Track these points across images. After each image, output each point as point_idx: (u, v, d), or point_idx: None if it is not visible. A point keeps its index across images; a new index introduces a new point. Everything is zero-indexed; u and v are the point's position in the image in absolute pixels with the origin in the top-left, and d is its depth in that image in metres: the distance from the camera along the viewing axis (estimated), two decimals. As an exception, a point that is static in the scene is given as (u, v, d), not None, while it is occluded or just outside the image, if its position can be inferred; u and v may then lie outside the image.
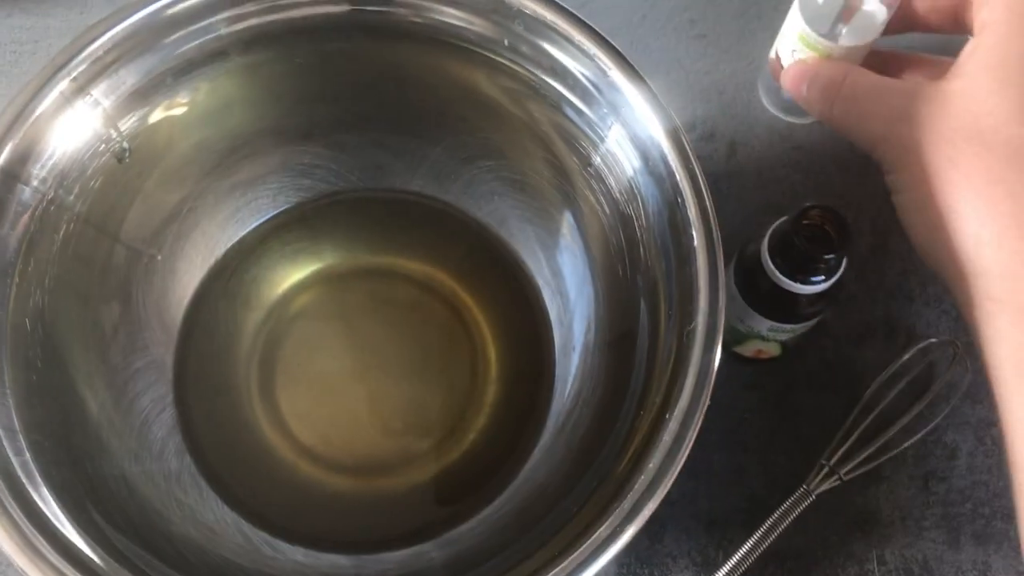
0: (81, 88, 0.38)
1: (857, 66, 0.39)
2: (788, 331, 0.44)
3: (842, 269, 0.41)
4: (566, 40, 0.39)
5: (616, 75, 0.38)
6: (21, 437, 0.35)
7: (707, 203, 0.36)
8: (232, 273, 0.48)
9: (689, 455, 0.46)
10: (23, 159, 0.37)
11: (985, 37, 0.34)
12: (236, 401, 0.47)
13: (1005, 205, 0.33)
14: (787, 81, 0.41)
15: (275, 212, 0.49)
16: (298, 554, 0.43)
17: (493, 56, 0.41)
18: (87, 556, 0.33)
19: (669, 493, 0.47)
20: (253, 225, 0.49)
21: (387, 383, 0.48)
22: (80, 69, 0.38)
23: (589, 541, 0.33)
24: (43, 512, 0.34)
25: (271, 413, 0.47)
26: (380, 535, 0.45)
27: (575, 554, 0.33)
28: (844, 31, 0.41)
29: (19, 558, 0.32)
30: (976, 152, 0.33)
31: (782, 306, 0.43)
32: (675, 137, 0.36)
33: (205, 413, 0.46)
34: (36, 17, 0.57)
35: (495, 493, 0.45)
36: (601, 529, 0.33)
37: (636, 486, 0.34)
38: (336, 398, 0.48)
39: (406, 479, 0.46)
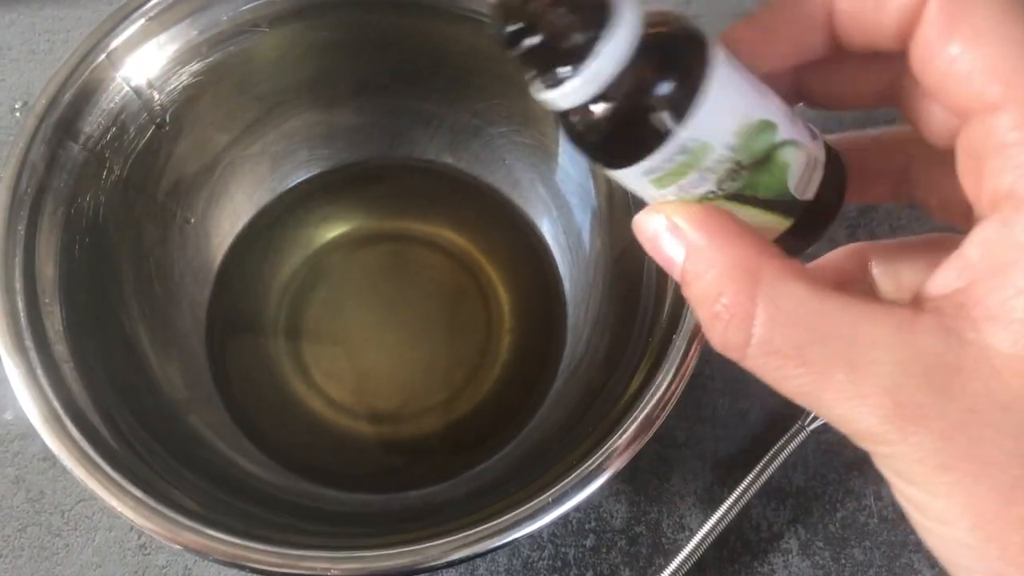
0: (125, 52, 0.41)
1: (771, 250, 0.21)
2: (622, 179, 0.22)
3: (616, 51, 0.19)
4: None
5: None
6: (74, 367, 0.38)
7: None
8: (259, 238, 0.51)
9: (693, 401, 0.49)
10: (72, 117, 0.40)
11: None
12: (265, 357, 0.50)
13: None
14: (647, 242, 0.23)
15: (299, 180, 0.52)
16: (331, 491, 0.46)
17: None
18: (139, 471, 0.36)
19: (676, 436, 0.50)
20: (279, 191, 0.52)
21: (407, 338, 0.51)
22: (125, 34, 0.41)
23: (601, 453, 0.35)
24: (100, 434, 0.36)
25: (299, 367, 0.50)
26: (405, 478, 0.47)
27: (589, 465, 0.35)
28: None
29: (78, 469, 0.34)
30: None
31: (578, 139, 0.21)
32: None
33: (236, 367, 0.49)
34: (68, 8, 0.61)
35: (512, 436, 0.47)
36: (613, 439, 0.35)
37: (647, 399, 0.36)
38: (359, 353, 0.50)
39: (427, 427, 0.49)
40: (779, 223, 0.22)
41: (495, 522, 0.34)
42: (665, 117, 0.20)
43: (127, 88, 0.42)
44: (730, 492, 0.47)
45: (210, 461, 0.43)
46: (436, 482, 0.46)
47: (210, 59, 0.44)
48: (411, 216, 0.53)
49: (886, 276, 0.27)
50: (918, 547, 0.47)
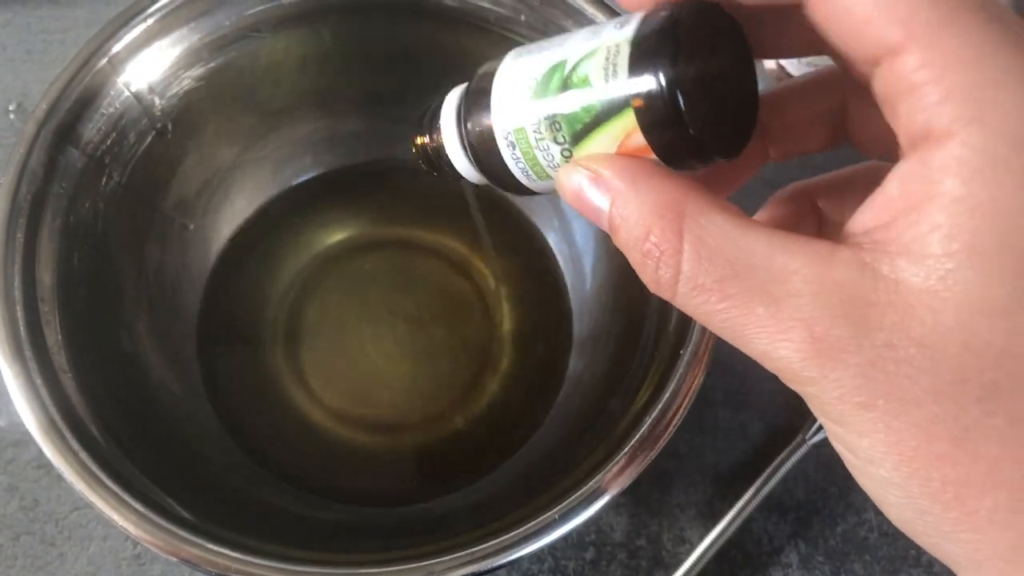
0: (126, 58, 0.41)
1: (697, 188, 0.20)
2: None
3: None
4: (580, 15, 0.42)
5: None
6: (71, 377, 0.37)
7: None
8: (257, 244, 0.51)
9: (695, 412, 0.49)
10: (73, 122, 0.40)
11: (956, 172, 0.17)
12: (262, 365, 0.49)
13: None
14: (572, 199, 0.22)
15: (300, 184, 0.52)
16: (327, 503, 0.45)
17: (511, 34, 0.44)
18: (139, 484, 0.35)
19: (677, 448, 0.50)
20: (279, 197, 0.51)
21: (407, 347, 0.50)
22: (127, 39, 0.41)
23: (608, 469, 0.35)
24: (100, 445, 0.36)
25: (297, 376, 0.49)
26: (405, 490, 0.47)
27: (596, 478, 0.35)
28: None
29: (78, 483, 0.34)
30: (990, 423, 0.17)
31: None
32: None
33: (230, 375, 0.48)
34: (64, 8, 0.60)
35: (515, 448, 0.47)
36: (620, 456, 0.35)
37: (652, 416, 0.36)
38: (358, 362, 0.50)
39: (428, 437, 0.48)
40: (627, 127, 0.21)
41: (501, 539, 0.34)
42: (485, 136, 0.23)
43: (128, 93, 0.42)
44: (731, 505, 0.47)
45: (208, 473, 0.42)
46: (437, 495, 0.45)
47: (212, 64, 0.44)
48: (412, 222, 0.53)
49: (834, 212, 0.27)
50: (918, 561, 0.47)
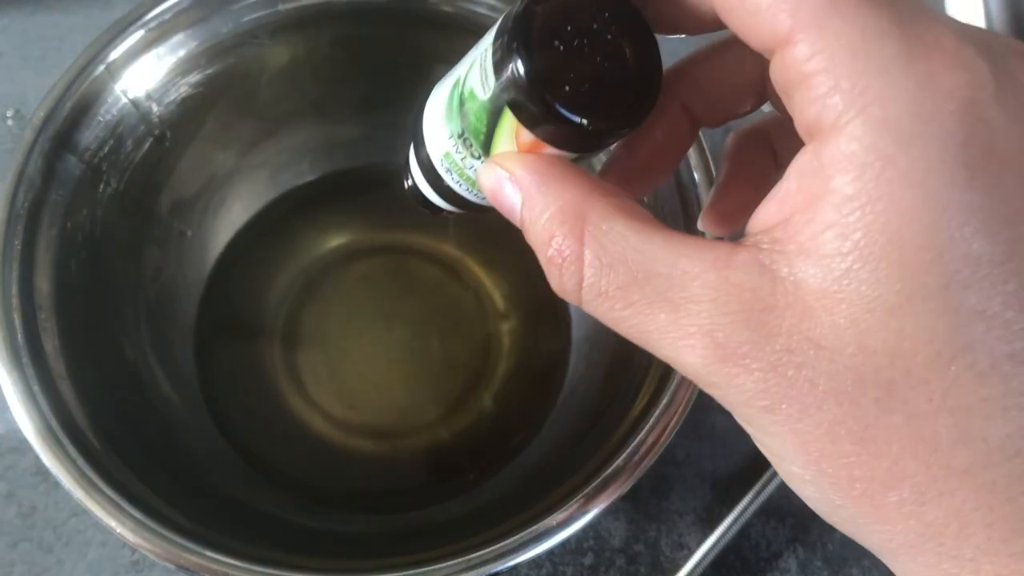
0: (124, 64, 0.41)
1: (601, 190, 0.20)
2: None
3: None
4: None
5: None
6: (69, 384, 0.37)
7: (710, 164, 0.39)
8: (254, 249, 0.51)
9: (692, 418, 0.49)
10: (70, 130, 0.40)
11: (845, 169, 0.17)
12: (259, 371, 0.49)
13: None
14: (491, 197, 0.22)
15: (298, 190, 0.52)
16: (326, 511, 0.45)
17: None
18: (136, 491, 0.35)
19: (675, 454, 0.49)
20: (277, 202, 0.51)
21: (405, 353, 0.50)
22: (124, 46, 0.41)
23: (606, 475, 0.35)
24: (99, 452, 0.36)
25: (294, 382, 0.49)
26: (403, 497, 0.47)
27: (591, 486, 0.35)
28: None
29: (76, 491, 0.34)
30: (872, 422, 0.18)
31: None
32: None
33: (227, 382, 0.48)
34: (61, 15, 0.60)
35: (514, 454, 0.47)
36: (618, 462, 0.35)
37: (651, 422, 0.36)
38: (356, 368, 0.50)
39: (426, 443, 0.49)
40: (512, 128, 0.21)
41: (498, 545, 0.34)
42: (428, 166, 0.24)
43: (125, 100, 0.42)
44: (729, 511, 0.47)
45: (205, 479, 0.42)
46: (436, 502, 0.45)
47: (209, 71, 0.44)
48: (410, 228, 0.53)
49: (785, 152, 0.26)
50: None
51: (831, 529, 0.47)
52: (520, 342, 0.51)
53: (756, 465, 0.49)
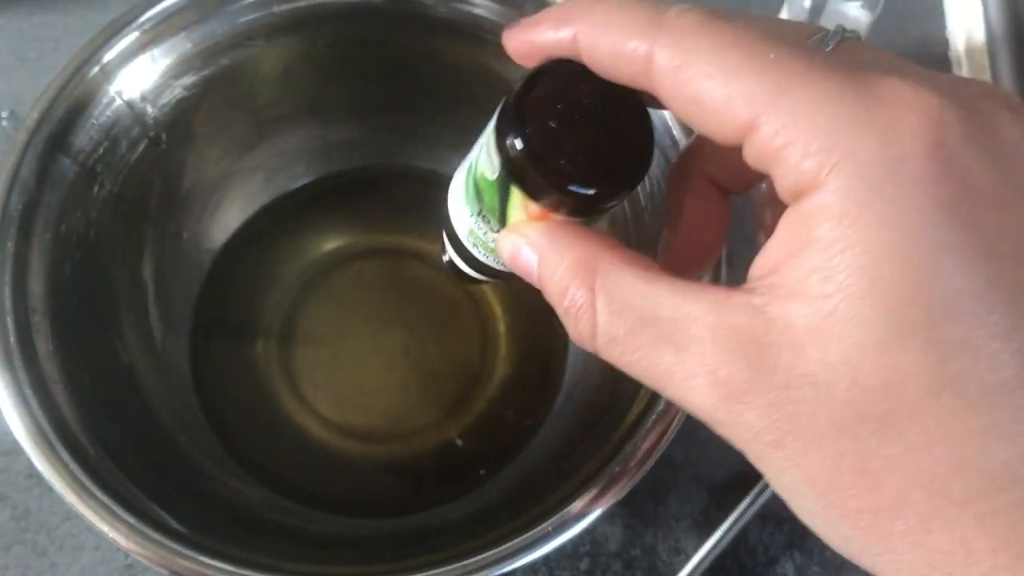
0: (118, 65, 0.41)
1: (609, 244, 0.22)
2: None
3: None
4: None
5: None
6: (63, 388, 0.37)
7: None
8: (250, 252, 0.51)
9: (690, 422, 0.49)
10: (64, 131, 0.40)
11: (826, 218, 0.18)
12: (254, 373, 0.49)
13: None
14: (510, 262, 0.24)
15: (294, 192, 0.51)
16: (321, 514, 0.45)
17: (505, 42, 0.44)
18: (130, 496, 0.35)
19: (672, 458, 0.49)
20: (272, 205, 0.51)
21: (401, 356, 0.50)
22: (119, 47, 0.40)
23: (602, 481, 0.35)
24: (91, 456, 0.36)
25: (289, 384, 0.49)
26: (399, 500, 0.47)
27: (588, 491, 0.35)
28: None
29: (68, 495, 0.34)
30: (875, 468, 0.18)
31: None
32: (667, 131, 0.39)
33: (222, 384, 0.48)
34: (56, 15, 0.60)
35: (510, 457, 0.47)
36: (614, 467, 0.35)
37: (647, 427, 0.36)
38: (353, 371, 0.50)
39: (422, 446, 0.48)
40: (521, 203, 0.22)
41: (495, 551, 0.33)
42: (458, 243, 0.27)
43: (120, 102, 0.41)
44: (726, 515, 0.47)
45: (200, 483, 0.42)
46: (432, 505, 0.45)
47: (205, 72, 0.44)
48: (406, 230, 0.53)
49: (732, 183, 0.26)
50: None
51: (829, 534, 0.47)
52: (517, 345, 0.51)
53: (753, 470, 0.48)
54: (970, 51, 0.58)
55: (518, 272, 0.24)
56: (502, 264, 0.25)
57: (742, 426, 0.19)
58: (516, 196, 0.22)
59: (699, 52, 0.19)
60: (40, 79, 0.54)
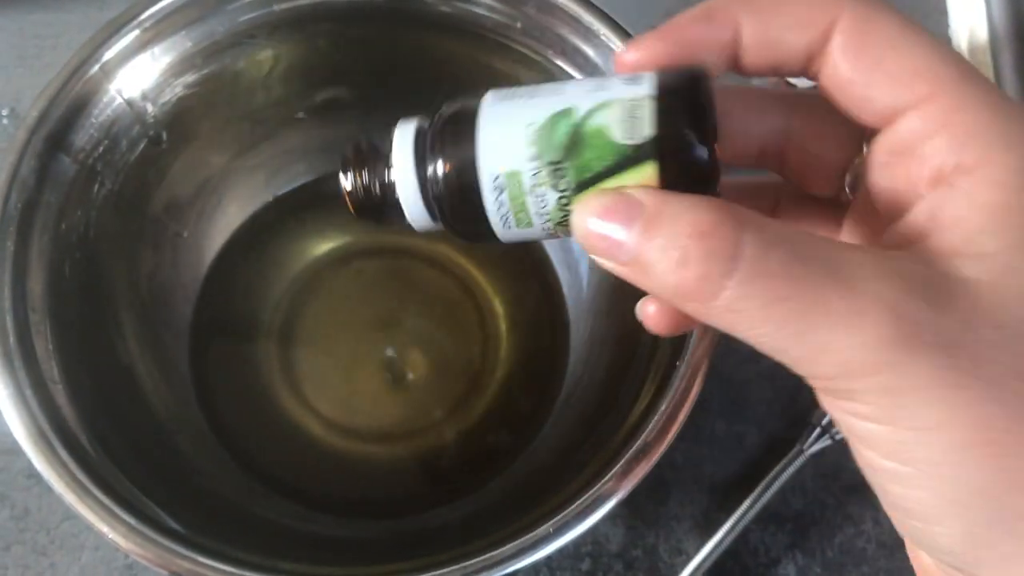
0: (118, 64, 0.41)
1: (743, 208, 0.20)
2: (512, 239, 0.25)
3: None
4: (576, 21, 0.42)
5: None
6: (62, 387, 0.37)
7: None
8: (250, 251, 0.50)
9: (691, 422, 0.49)
10: (64, 129, 0.39)
11: (990, 187, 0.19)
12: (254, 373, 0.49)
13: None
14: (603, 212, 0.21)
15: (294, 191, 0.51)
16: (321, 516, 0.45)
17: (507, 40, 0.44)
18: (128, 495, 0.35)
19: (674, 458, 0.49)
20: (273, 204, 0.51)
21: (402, 356, 0.50)
22: (119, 46, 0.40)
23: (603, 482, 0.35)
24: (89, 456, 0.35)
25: (290, 385, 0.49)
26: (399, 502, 0.47)
27: (590, 493, 0.35)
28: None
29: (68, 495, 0.34)
30: None
31: None
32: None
33: (222, 384, 0.48)
34: (56, 13, 0.60)
35: (508, 461, 0.46)
36: (615, 469, 0.35)
37: (649, 428, 0.35)
38: (353, 370, 0.49)
39: (423, 448, 0.48)
40: (645, 177, 0.21)
41: (494, 552, 0.33)
42: (464, 178, 0.22)
43: (120, 100, 0.41)
44: (728, 516, 0.47)
45: (200, 484, 0.42)
46: (432, 507, 0.45)
47: (205, 71, 0.43)
48: (407, 229, 0.52)
49: None
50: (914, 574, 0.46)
51: (830, 535, 0.47)
52: (518, 345, 0.50)
53: (755, 470, 0.48)
54: (973, 50, 0.58)
55: (594, 240, 0.21)
56: (506, 226, 0.23)
57: (915, 368, 0.18)
58: (639, 173, 0.21)
59: (882, 22, 0.21)
60: (40, 77, 0.54)
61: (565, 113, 0.22)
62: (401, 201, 0.24)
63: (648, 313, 0.26)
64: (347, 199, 0.25)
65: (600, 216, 0.21)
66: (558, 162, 0.21)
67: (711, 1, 0.22)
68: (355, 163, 0.25)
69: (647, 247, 0.20)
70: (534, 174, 0.22)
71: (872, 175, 0.22)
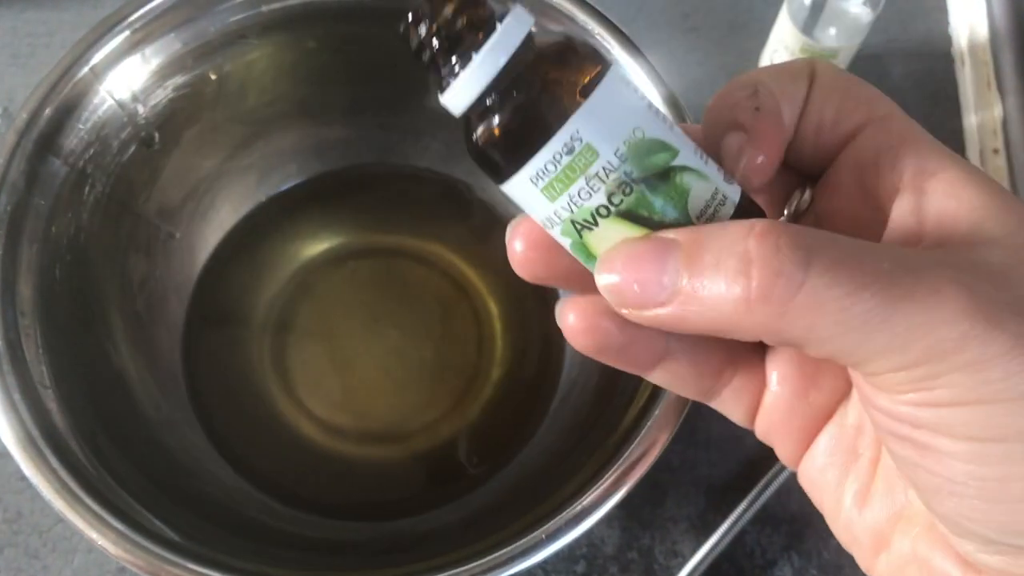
0: (109, 65, 0.40)
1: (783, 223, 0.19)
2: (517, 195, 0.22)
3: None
4: (570, 21, 0.41)
5: (620, 54, 0.40)
6: (53, 393, 0.37)
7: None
8: (244, 251, 0.50)
9: (687, 423, 0.48)
10: (54, 132, 0.39)
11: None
12: (247, 375, 0.48)
13: None
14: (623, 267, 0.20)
15: (288, 192, 0.51)
16: (314, 518, 0.45)
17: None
18: (119, 502, 0.35)
19: (670, 460, 0.49)
20: (267, 204, 0.51)
21: (396, 357, 0.50)
22: (109, 47, 0.40)
23: (597, 487, 0.35)
24: (80, 462, 0.35)
25: (283, 385, 0.48)
26: (393, 504, 0.46)
27: (586, 496, 0.34)
28: (832, 32, 0.36)
29: (57, 501, 0.33)
30: None
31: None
32: (673, 103, 0.39)
33: (215, 386, 0.48)
34: (50, 11, 0.59)
35: (504, 462, 0.46)
36: (609, 473, 0.35)
37: (643, 432, 0.35)
38: (347, 372, 0.49)
39: (416, 449, 0.48)
40: None
41: (489, 558, 0.33)
42: (549, 109, 0.20)
43: (111, 101, 0.41)
44: (724, 518, 0.47)
45: (191, 488, 0.41)
46: (426, 509, 0.45)
47: (196, 72, 0.43)
48: (401, 229, 0.52)
49: None
50: None
51: (826, 537, 0.47)
52: (514, 345, 0.50)
53: (752, 471, 0.48)
54: (973, 48, 0.58)
55: (618, 283, 0.20)
56: (535, 183, 0.21)
57: (998, 336, 0.18)
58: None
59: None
60: (33, 76, 0.53)
61: (667, 149, 0.21)
62: (465, 68, 0.21)
63: (568, 323, 0.24)
64: (420, 27, 0.21)
65: (630, 261, 0.20)
66: (633, 180, 0.20)
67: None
68: (457, 8, 0.21)
69: (695, 269, 0.19)
70: (605, 168, 0.20)
71: (830, 196, 0.23)
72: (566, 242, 0.22)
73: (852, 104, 0.22)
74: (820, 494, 0.25)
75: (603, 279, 0.21)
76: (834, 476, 0.24)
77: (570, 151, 0.20)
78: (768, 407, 0.25)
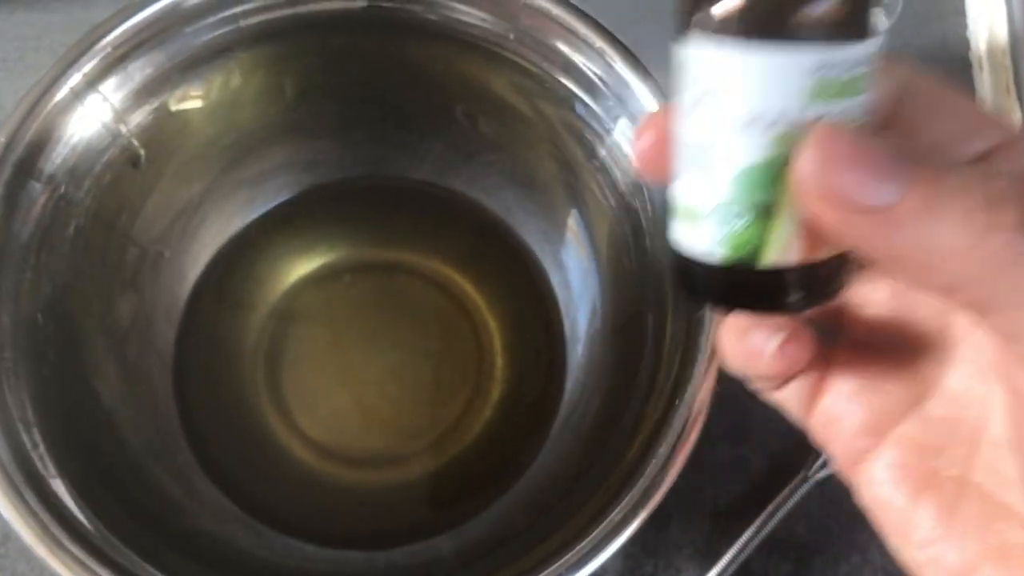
0: (90, 84, 0.39)
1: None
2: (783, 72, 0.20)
3: None
4: (571, 34, 0.40)
5: (622, 68, 0.39)
6: (36, 430, 0.36)
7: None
8: (236, 269, 0.49)
9: (694, 447, 0.47)
10: (34, 155, 0.38)
11: None
12: (240, 396, 0.47)
13: None
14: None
15: (279, 207, 0.49)
16: (308, 548, 0.44)
17: (499, 51, 0.42)
18: (103, 544, 0.34)
19: (675, 484, 0.47)
20: (258, 220, 0.49)
21: (393, 377, 0.48)
22: (90, 65, 0.38)
23: (602, 526, 0.34)
24: (61, 503, 0.34)
25: (277, 408, 0.47)
26: (388, 530, 0.45)
27: (587, 539, 0.34)
28: None
29: (39, 547, 0.32)
30: None
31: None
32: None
33: (207, 408, 0.46)
34: (39, 13, 0.58)
35: (504, 487, 0.45)
36: (614, 514, 0.34)
37: (648, 470, 0.34)
38: (343, 393, 0.48)
39: (414, 473, 0.47)
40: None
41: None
42: (882, 12, 0.19)
43: (93, 120, 0.39)
44: (730, 544, 0.45)
45: (181, 524, 0.40)
46: (422, 537, 0.44)
47: (183, 87, 0.42)
48: (398, 244, 0.51)
49: None
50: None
51: (836, 564, 0.46)
52: (513, 363, 0.49)
53: (759, 496, 0.47)
54: (992, 52, 0.56)
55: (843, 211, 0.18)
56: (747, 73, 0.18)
57: None
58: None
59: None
60: (22, 80, 0.52)
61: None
62: None
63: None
64: None
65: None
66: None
67: None
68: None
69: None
70: (863, 106, 0.19)
71: None
72: (764, 154, 0.19)
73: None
74: (884, 512, 0.25)
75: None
76: (904, 495, 0.24)
77: (869, 63, 0.19)
78: (826, 404, 0.25)
